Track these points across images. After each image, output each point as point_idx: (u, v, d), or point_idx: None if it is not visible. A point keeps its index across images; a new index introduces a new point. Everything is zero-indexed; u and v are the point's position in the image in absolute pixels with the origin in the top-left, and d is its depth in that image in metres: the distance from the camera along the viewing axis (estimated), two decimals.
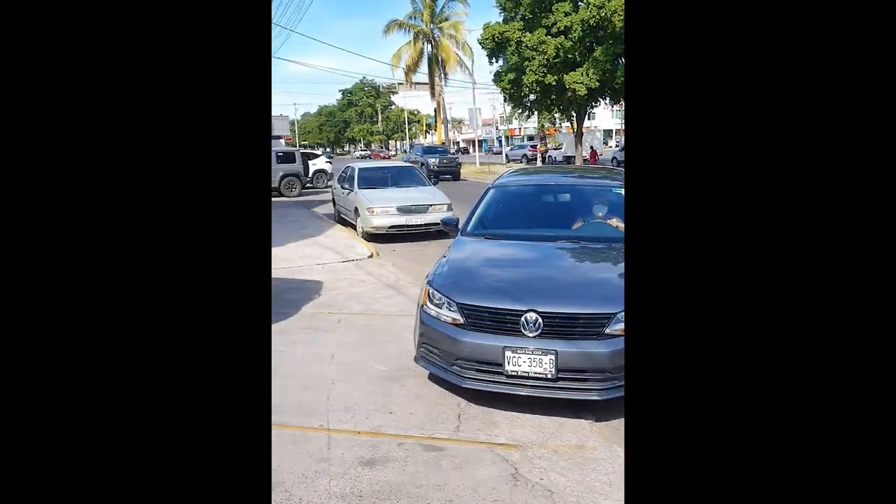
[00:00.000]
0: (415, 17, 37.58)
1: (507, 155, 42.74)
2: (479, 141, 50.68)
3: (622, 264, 3.53)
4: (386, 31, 37.63)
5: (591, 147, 29.79)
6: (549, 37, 20.91)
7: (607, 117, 56.21)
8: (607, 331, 3.19)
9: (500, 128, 60.76)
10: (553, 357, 3.17)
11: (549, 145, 39.13)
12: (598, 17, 19.58)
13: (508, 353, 3.23)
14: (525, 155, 40.10)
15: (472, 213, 4.77)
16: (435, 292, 3.65)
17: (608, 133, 56.10)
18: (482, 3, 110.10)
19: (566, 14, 20.61)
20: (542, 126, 40.13)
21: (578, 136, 25.28)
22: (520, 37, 21.64)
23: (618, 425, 3.22)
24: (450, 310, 3.50)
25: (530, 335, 3.24)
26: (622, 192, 4.58)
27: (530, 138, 47.20)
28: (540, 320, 3.24)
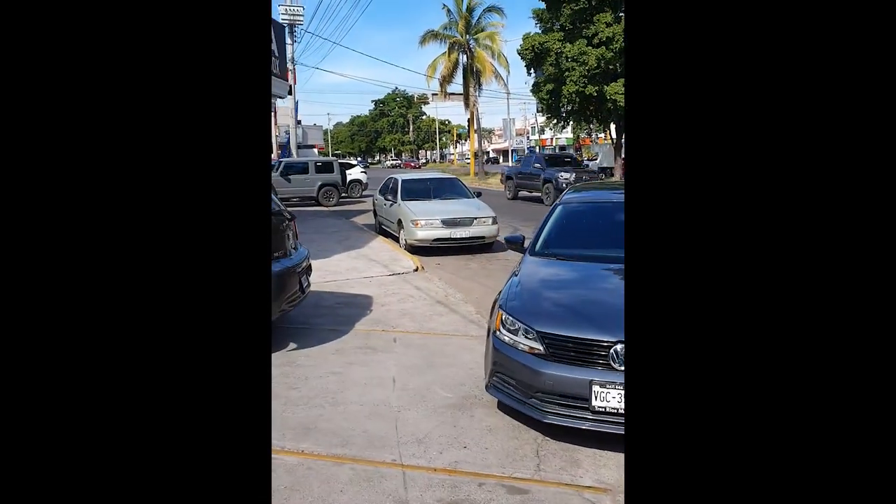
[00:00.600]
0: (450, 28, 37.53)
1: None
2: (511, 151, 50.46)
3: None
4: (422, 42, 37.60)
5: (623, 159, 29.17)
6: (590, 48, 20.60)
7: None
8: None
9: (531, 137, 60.44)
10: None
11: (584, 156, 38.65)
12: None
13: (596, 388, 2.99)
14: None
15: (541, 232, 4.54)
16: (509, 317, 3.43)
17: None
18: (519, 14, 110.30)
19: (608, 25, 20.29)
20: (577, 137, 39.65)
21: (618, 147, 24.85)
22: (560, 48, 21.38)
23: None
24: (527, 337, 3.28)
25: (620, 368, 3.00)
26: None
27: (562, 149, 46.72)
28: None
